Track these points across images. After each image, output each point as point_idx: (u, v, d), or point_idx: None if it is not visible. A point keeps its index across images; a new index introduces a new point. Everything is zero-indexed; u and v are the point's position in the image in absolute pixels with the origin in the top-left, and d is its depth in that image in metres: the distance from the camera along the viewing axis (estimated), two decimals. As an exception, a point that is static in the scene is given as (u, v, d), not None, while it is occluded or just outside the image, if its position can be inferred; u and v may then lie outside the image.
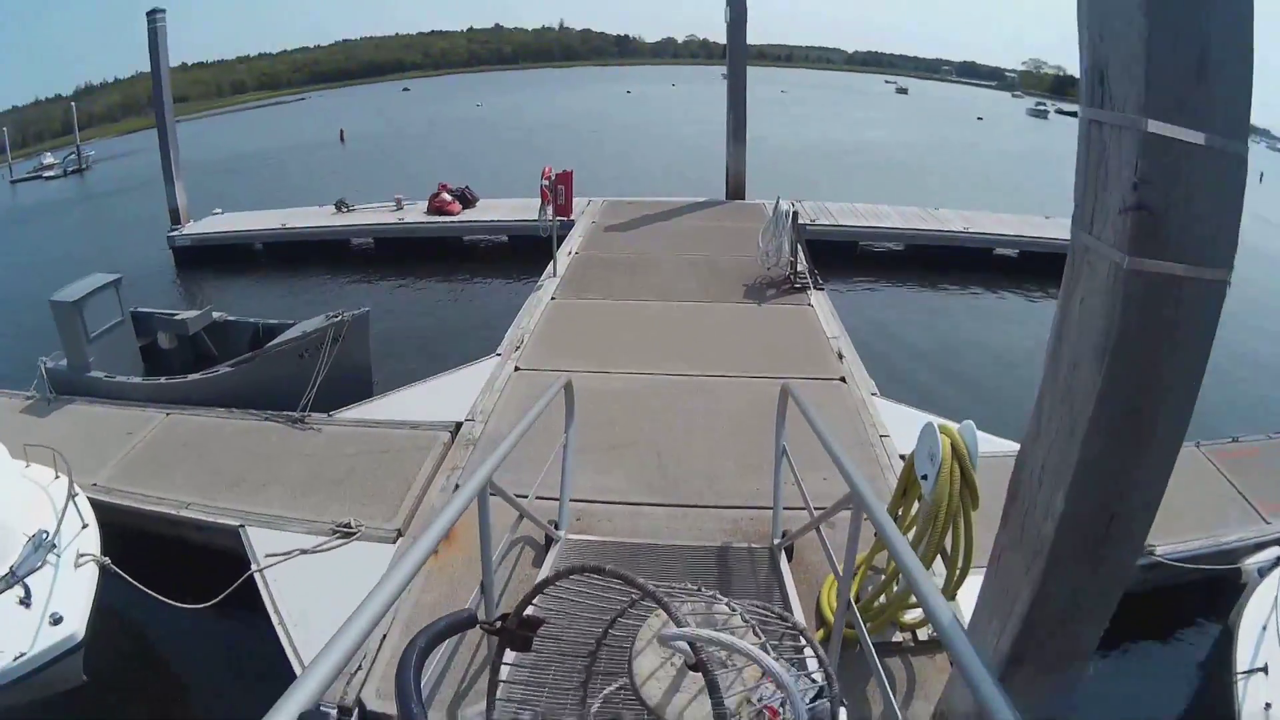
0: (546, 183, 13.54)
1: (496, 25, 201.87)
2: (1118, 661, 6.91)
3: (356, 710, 4.95)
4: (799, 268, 13.50)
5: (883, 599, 5.30)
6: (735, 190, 21.84)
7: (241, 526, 7.07)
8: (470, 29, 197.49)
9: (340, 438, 8.70)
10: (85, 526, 6.75)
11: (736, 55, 21.52)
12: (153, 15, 21.23)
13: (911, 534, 5.09)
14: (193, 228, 21.66)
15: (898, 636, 5.38)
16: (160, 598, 6.44)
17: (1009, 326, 16.42)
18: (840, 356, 10.51)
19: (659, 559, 5.82)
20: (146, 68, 22.04)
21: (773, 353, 10.64)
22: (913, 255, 19.97)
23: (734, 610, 2.30)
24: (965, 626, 3.95)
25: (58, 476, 7.38)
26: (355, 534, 6.96)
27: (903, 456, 7.65)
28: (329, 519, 7.14)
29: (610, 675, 2.45)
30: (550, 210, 13.71)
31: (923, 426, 5.15)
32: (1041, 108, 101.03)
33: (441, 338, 14.65)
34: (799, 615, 5.12)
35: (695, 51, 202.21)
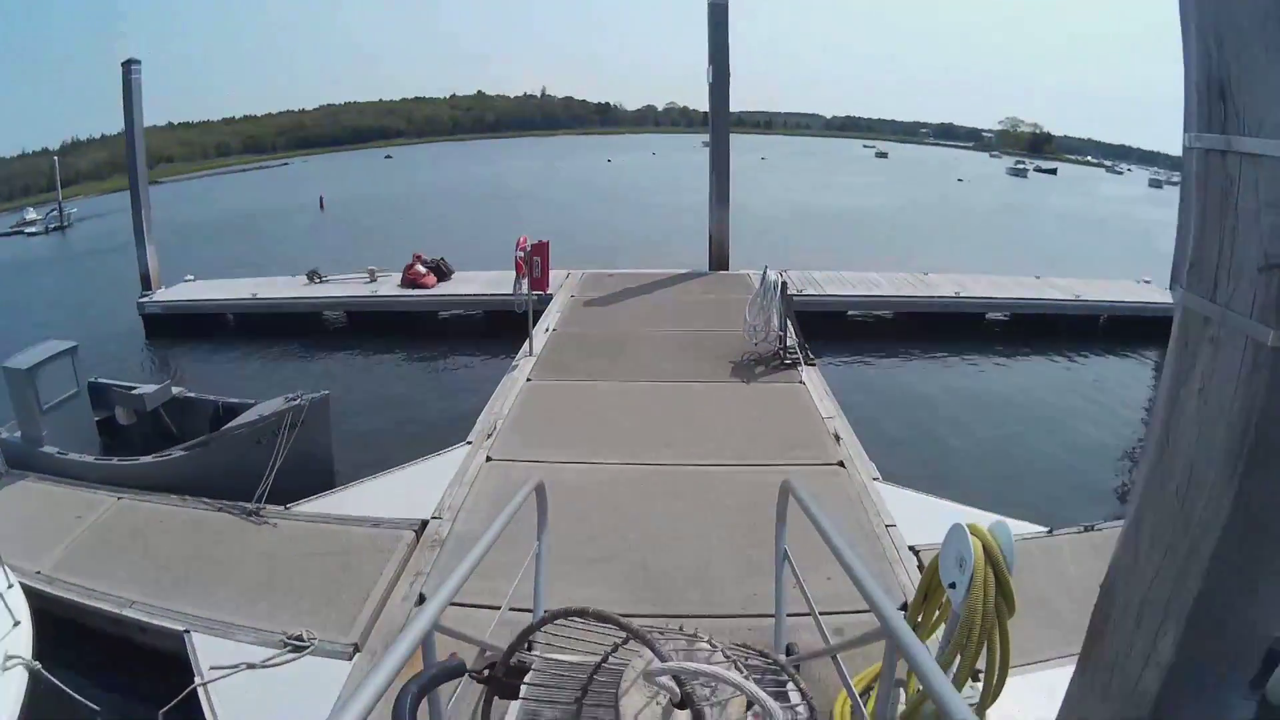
0: (521, 254, 12.85)
1: (479, 93, 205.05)
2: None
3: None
4: (789, 342, 12.83)
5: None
6: (719, 259, 21.29)
7: (187, 632, 6.44)
8: (453, 95, 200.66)
9: (296, 534, 7.98)
10: (17, 624, 6.22)
11: (719, 117, 21.14)
12: (128, 66, 20.85)
13: (933, 640, 4.61)
14: (164, 294, 21.17)
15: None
16: (95, 708, 5.98)
17: (1007, 394, 15.75)
18: (837, 439, 9.78)
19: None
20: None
21: (765, 437, 9.91)
22: (903, 322, 19.43)
23: (715, 648, 2.34)
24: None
25: (-6, 565, 6.76)
26: (308, 648, 6.25)
27: (912, 548, 7.28)
28: (280, 628, 6.42)
29: (598, 718, 2.33)
30: (526, 284, 13.01)
31: (950, 529, 4.45)
32: (1021, 166, 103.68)
33: (411, 422, 13.87)
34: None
35: (676, 119, 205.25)
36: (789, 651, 5.33)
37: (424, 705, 2.07)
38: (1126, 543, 2.77)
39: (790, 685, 2.50)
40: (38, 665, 5.88)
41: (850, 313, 19.58)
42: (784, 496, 4.98)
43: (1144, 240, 37.17)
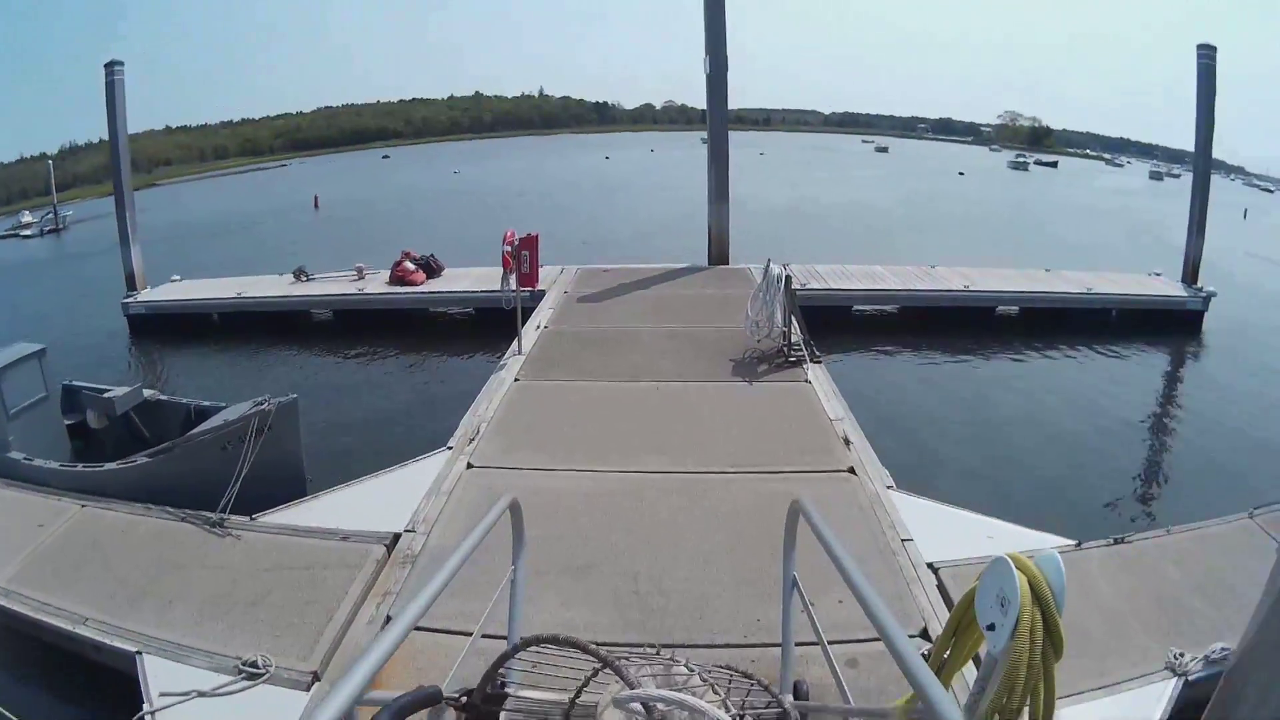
0: (509, 248, 12.12)
1: (477, 93, 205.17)
2: None
3: None
4: (793, 339, 12.10)
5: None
6: (719, 254, 20.63)
7: (139, 653, 5.91)
8: (451, 97, 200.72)
9: (260, 547, 7.34)
10: None
11: (717, 109, 20.44)
12: (111, 67, 20.41)
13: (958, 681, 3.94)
14: (148, 294, 20.69)
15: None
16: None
17: (1022, 392, 15.09)
18: (847, 443, 9.05)
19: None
20: (130, 129, 21.21)
21: (769, 441, 9.18)
22: (910, 317, 18.82)
23: (692, 671, 2.26)
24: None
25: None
26: (263, 675, 5.67)
27: (931, 565, 6.61)
28: (235, 652, 5.83)
29: None
30: (514, 280, 12.30)
31: (992, 563, 3.69)
32: (1022, 160, 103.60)
33: (392, 425, 13.22)
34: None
35: (674, 117, 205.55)
36: (797, 691, 4.65)
37: None
38: (1255, 634, 2.15)
39: (772, 704, 2.40)
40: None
41: (855, 308, 18.95)
42: (793, 517, 4.31)
43: (1149, 232, 37.77)
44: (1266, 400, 14.69)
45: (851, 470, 8.37)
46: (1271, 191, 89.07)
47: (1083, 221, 43.90)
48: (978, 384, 15.60)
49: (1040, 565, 3.58)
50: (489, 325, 16.68)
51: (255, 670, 5.68)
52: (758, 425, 9.65)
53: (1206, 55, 19.93)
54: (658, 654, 2.46)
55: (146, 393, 11.85)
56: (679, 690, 2.13)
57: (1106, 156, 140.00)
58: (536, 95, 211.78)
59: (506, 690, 2.35)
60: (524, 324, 13.63)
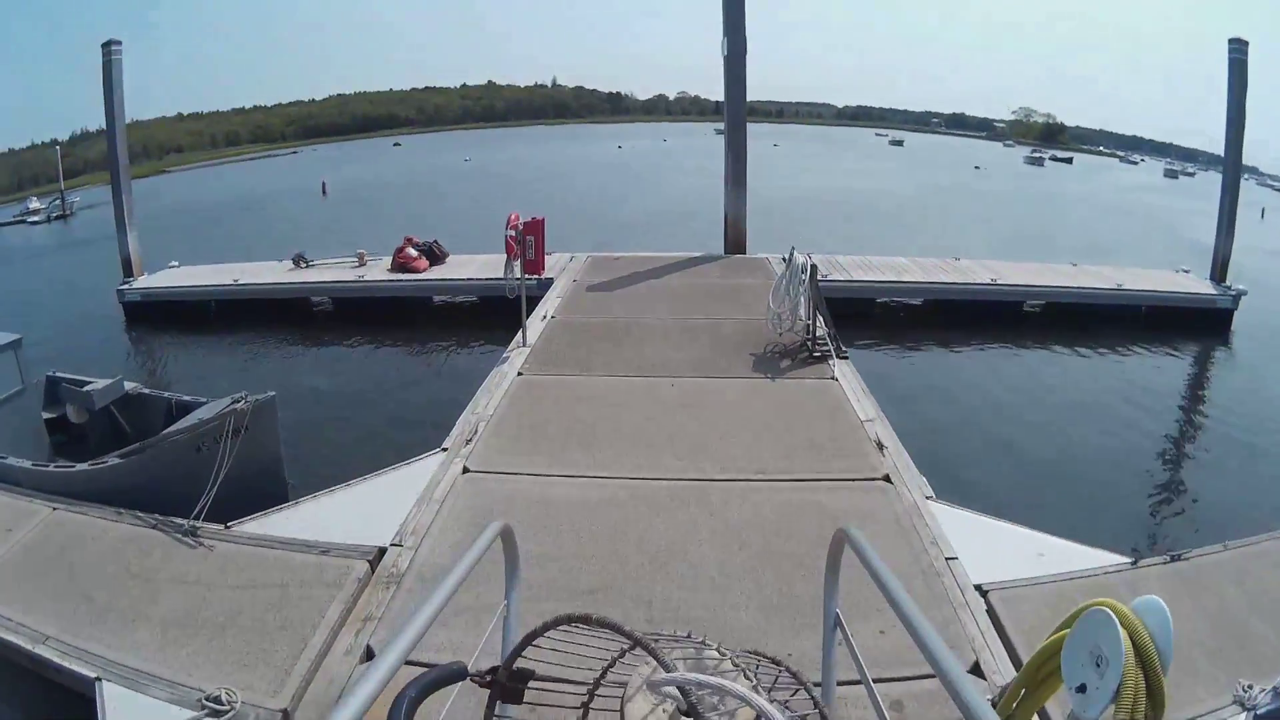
0: (513, 233, 11.28)
1: (490, 82, 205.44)
2: None
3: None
4: (817, 332, 11.27)
5: None
6: (735, 243, 19.82)
7: (98, 679, 5.33)
8: (464, 85, 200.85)
9: (233, 560, 6.62)
10: None
11: (735, 93, 19.59)
12: (108, 47, 19.84)
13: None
14: (145, 281, 20.12)
15: None
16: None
17: (1055, 392, 14.37)
18: (880, 447, 8.22)
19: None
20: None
21: (795, 444, 8.35)
22: (934, 311, 18.07)
23: (724, 655, 2.18)
24: None
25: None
26: (228, 713, 5.01)
27: (979, 588, 5.85)
28: (199, 684, 5.19)
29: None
30: (518, 266, 11.50)
31: (1087, 614, 2.93)
32: (1038, 155, 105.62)
33: (389, 420, 12.54)
34: None
35: (687, 108, 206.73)
36: None
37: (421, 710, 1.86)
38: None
39: (802, 693, 2.23)
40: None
41: (879, 300, 18.14)
42: (838, 546, 3.55)
43: (1169, 229, 37.16)
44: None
45: (887, 479, 7.55)
46: None
47: (1103, 217, 43.55)
48: (1008, 382, 14.83)
49: (1144, 616, 2.80)
50: (494, 315, 15.84)
51: (219, 708, 5.06)
52: (782, 426, 8.81)
53: (1238, 50, 19.14)
54: (688, 637, 2.34)
55: (128, 385, 11.27)
56: (711, 675, 2.00)
57: (1120, 154, 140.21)
58: (549, 85, 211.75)
59: (533, 668, 2.22)
60: (530, 314, 12.86)
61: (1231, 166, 20.11)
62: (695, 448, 8.21)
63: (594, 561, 6.21)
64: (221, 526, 7.15)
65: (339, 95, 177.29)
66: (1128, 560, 6.27)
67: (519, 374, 10.64)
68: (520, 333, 12.06)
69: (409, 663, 2.16)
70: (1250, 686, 4.84)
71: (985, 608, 5.65)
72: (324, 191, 55.51)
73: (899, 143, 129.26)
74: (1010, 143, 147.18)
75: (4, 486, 8.55)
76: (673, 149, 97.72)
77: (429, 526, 6.84)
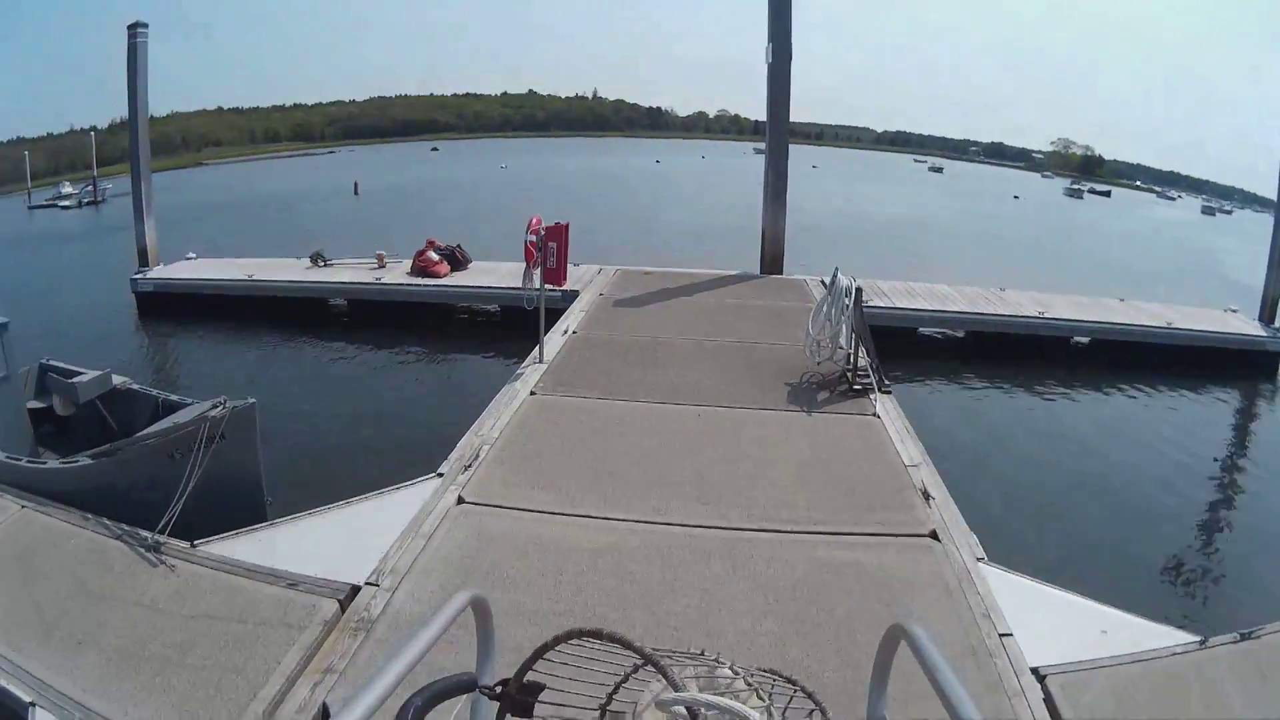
0: (533, 238, 10.44)
1: (531, 91, 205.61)
2: None
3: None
4: (859, 363, 10.36)
5: None
6: (772, 262, 18.94)
7: (32, 705, 4.92)
8: (505, 93, 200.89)
9: (194, 584, 5.94)
10: None
11: (779, 102, 18.71)
12: (134, 29, 19.40)
13: None
14: (160, 272, 19.70)
15: None
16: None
17: (1108, 437, 13.34)
18: (927, 498, 7.30)
19: None
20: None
21: (831, 489, 7.44)
22: (977, 343, 17.08)
23: (737, 674, 2.15)
24: None
25: None
26: None
27: (1036, 672, 5.02)
28: None
29: None
30: (538, 275, 10.65)
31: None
32: (1076, 187, 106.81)
33: (390, 436, 11.75)
34: None
35: (726, 127, 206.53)
36: None
37: None
38: None
39: (817, 715, 2.15)
40: None
41: (921, 329, 17.19)
42: (890, 645, 2.63)
43: (1210, 266, 36.66)
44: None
45: (934, 535, 6.63)
46: None
47: (1145, 252, 42.76)
48: (1057, 425, 13.85)
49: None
50: (515, 326, 14.91)
51: (154, 762, 4.44)
52: (818, 468, 7.90)
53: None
54: (702, 655, 2.26)
55: (116, 380, 10.62)
56: (723, 694, 1.95)
57: (1157, 189, 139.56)
58: (590, 97, 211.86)
59: (543, 681, 1.99)
60: (550, 327, 12.09)
61: (1282, 205, 19.13)
62: (720, 489, 7.32)
63: (594, 624, 5.30)
64: (187, 545, 6.46)
65: (380, 97, 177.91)
66: (1195, 640, 5.47)
67: (531, 393, 9.79)
68: (537, 348, 11.21)
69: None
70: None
71: (1042, 696, 4.84)
72: (356, 191, 55.75)
73: (938, 169, 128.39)
74: (1049, 174, 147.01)
75: None
76: (711, 166, 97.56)
77: (411, 565, 6.03)
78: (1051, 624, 5.57)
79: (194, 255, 20.92)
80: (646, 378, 10.56)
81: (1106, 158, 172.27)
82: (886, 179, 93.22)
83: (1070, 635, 5.43)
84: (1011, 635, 5.36)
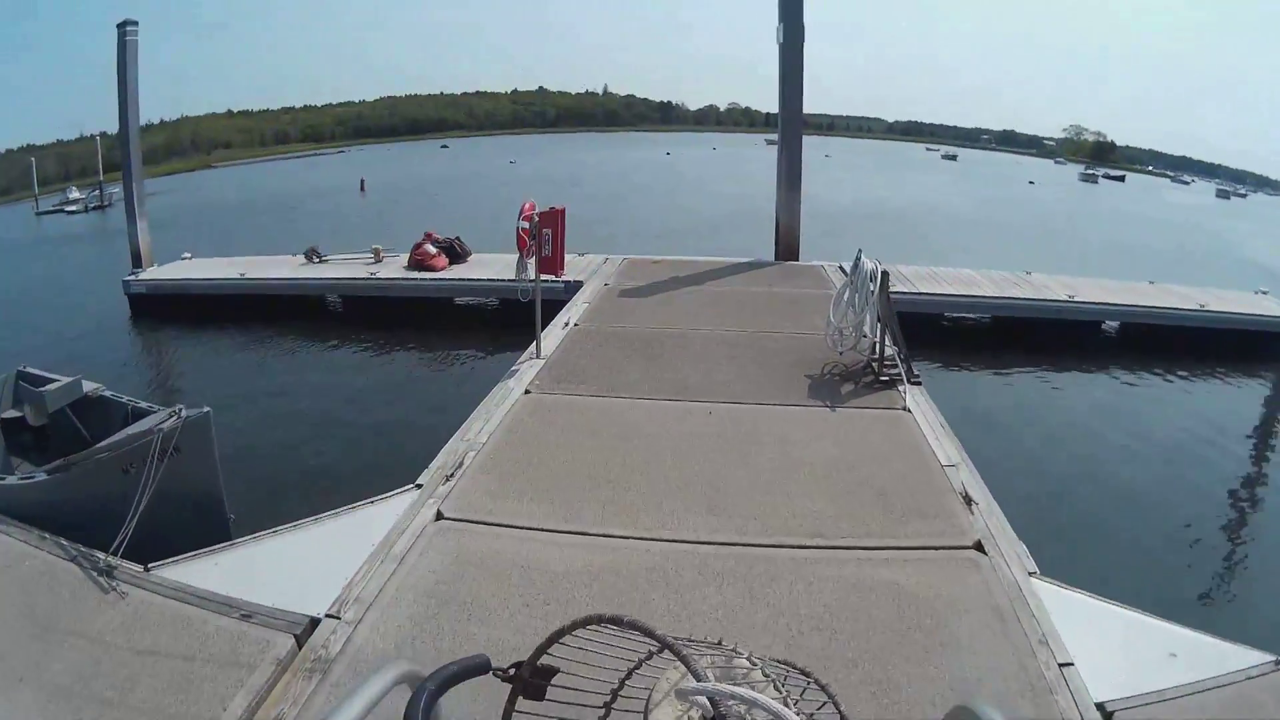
0: (526, 225, 9.56)
1: (540, 88, 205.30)
2: None
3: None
4: (885, 352, 9.47)
5: None
6: (787, 248, 18.01)
7: None
8: (514, 91, 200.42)
9: (144, 613, 5.22)
10: None
11: (791, 84, 17.69)
12: (123, 27, 18.75)
13: None
14: (153, 273, 19.06)
15: None
16: None
17: (1153, 430, 12.34)
18: (969, 502, 6.42)
19: None
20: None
21: (861, 496, 6.54)
22: (1004, 329, 16.17)
23: (755, 664, 2.11)
24: None
25: None
26: None
27: (1103, 708, 4.26)
28: None
29: None
30: (532, 265, 9.79)
31: None
32: (1091, 173, 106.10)
33: (376, 443, 10.93)
34: None
35: (738, 119, 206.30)
36: None
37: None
38: None
39: (829, 707, 2.07)
40: None
41: (947, 315, 16.28)
42: None
43: (1232, 249, 36.21)
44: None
45: (979, 547, 5.75)
46: None
47: (1167, 235, 41.93)
48: (1095, 416, 12.86)
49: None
50: (515, 320, 13.80)
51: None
52: (845, 471, 7.00)
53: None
54: (719, 644, 2.17)
55: (87, 386, 9.94)
56: (740, 685, 1.88)
57: (1170, 174, 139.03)
58: (600, 93, 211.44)
59: (557, 665, 2.00)
60: (551, 320, 11.36)
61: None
62: (735, 498, 6.44)
63: (600, 672, 4.47)
64: (140, 568, 5.74)
65: (389, 97, 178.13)
66: (1270, 659, 4.72)
67: (526, 391, 8.91)
68: (535, 344, 10.34)
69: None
70: None
71: (1108, 738, 3.98)
72: (362, 189, 55.69)
73: (952, 157, 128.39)
74: (1061, 160, 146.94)
75: None
76: (721, 157, 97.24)
77: (379, 593, 5.21)
78: (1113, 648, 4.79)
79: (189, 255, 20.28)
80: (653, 372, 9.67)
81: (1118, 144, 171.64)
82: (901, 167, 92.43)
83: (1135, 660, 4.69)
84: (1072, 664, 4.54)
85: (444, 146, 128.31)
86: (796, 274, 16.32)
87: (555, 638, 2.05)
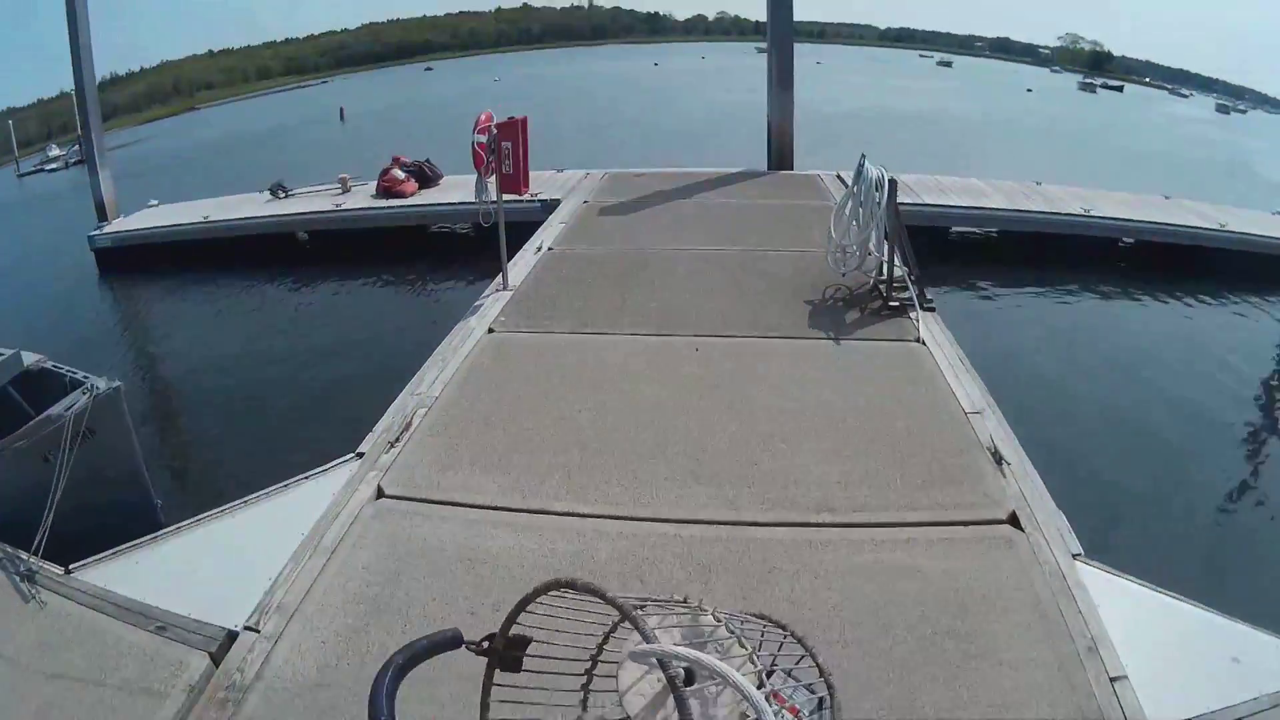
0: (482, 138, 8.38)
1: (525, 5, 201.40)
2: None
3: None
4: (894, 271, 8.37)
5: None
6: (781, 156, 16.75)
7: None
8: (498, 9, 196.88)
9: (61, 625, 4.52)
10: None
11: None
12: None
13: None
14: (119, 224, 17.88)
15: None
16: None
17: (1202, 361, 11.14)
18: (999, 460, 5.40)
19: None
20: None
21: (874, 454, 5.52)
22: (1015, 244, 14.96)
23: (719, 621, 2.00)
24: None
25: None
26: None
27: None
28: None
29: (606, 693, 2.00)
30: (492, 185, 8.67)
31: None
32: (1090, 82, 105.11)
33: (333, 400, 9.78)
34: None
35: (727, 28, 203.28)
36: None
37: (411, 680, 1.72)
38: None
39: (806, 661, 2.00)
40: None
41: (954, 229, 15.12)
42: None
43: (1241, 165, 33.94)
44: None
45: (1014, 521, 4.79)
46: None
47: (1173, 146, 40.26)
48: (1121, 345, 11.59)
49: None
50: (493, 247, 12.63)
51: None
52: (853, 422, 5.97)
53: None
54: (684, 601, 2.05)
55: (29, 359, 9.01)
56: (704, 643, 1.88)
57: (1168, 86, 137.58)
58: (586, 6, 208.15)
59: (530, 635, 1.93)
60: (511, 252, 10.13)
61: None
62: (724, 461, 5.44)
63: (560, 676, 3.56)
64: (61, 570, 5.00)
65: (372, 23, 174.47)
66: None
67: (489, 330, 7.85)
68: (501, 275, 9.26)
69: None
70: None
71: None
72: (341, 117, 54.93)
73: (947, 64, 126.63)
74: (1058, 69, 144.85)
75: None
76: (710, 66, 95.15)
77: (303, 599, 4.33)
78: (1169, 650, 3.95)
79: (155, 203, 19.10)
80: (633, 302, 8.58)
81: (1114, 54, 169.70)
82: (895, 74, 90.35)
83: (1195, 667, 3.86)
84: (1125, 678, 3.68)
85: (428, 69, 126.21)
86: (792, 184, 15.17)
87: (521, 607, 1.97)
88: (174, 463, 8.88)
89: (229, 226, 16.69)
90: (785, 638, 2.08)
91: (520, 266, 9.86)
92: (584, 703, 2.04)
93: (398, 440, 5.79)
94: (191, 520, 5.29)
